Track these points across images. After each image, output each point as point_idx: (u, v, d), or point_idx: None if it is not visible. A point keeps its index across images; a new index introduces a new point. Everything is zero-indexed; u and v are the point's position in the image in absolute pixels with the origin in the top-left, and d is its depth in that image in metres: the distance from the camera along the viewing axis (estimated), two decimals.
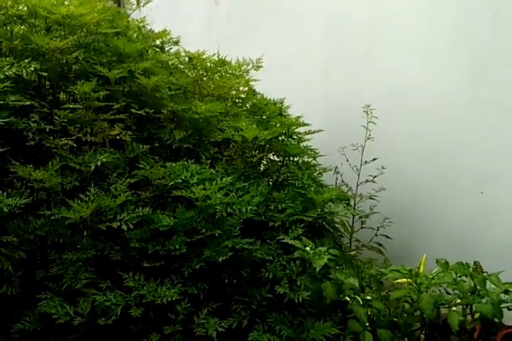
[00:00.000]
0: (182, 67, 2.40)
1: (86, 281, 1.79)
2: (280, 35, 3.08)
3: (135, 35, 2.21)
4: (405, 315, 2.26)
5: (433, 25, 2.62)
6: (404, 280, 2.22)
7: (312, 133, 2.54)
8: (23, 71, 1.79)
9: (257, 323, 2.07)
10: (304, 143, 2.55)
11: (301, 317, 2.15)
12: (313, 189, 2.36)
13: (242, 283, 2.15)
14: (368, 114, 2.66)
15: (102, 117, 1.94)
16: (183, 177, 2.08)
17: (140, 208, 1.95)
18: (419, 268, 2.35)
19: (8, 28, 1.92)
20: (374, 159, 2.69)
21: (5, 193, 1.72)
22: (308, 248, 2.14)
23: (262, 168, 2.47)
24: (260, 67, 2.54)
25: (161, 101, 2.17)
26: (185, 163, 2.15)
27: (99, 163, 1.90)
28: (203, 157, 2.23)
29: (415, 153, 2.75)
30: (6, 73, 1.77)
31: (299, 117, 2.52)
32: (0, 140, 1.76)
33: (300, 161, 2.52)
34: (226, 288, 2.12)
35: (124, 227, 1.86)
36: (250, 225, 2.23)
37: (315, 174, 2.54)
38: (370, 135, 2.69)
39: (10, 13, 1.90)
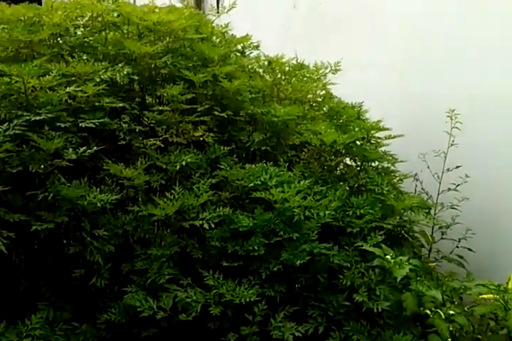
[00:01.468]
0: (261, 71, 2.48)
1: (169, 277, 1.85)
2: (358, 39, 3.05)
3: (218, 40, 2.31)
4: (490, 333, 2.16)
5: None
6: (490, 296, 2.10)
7: (392, 137, 2.47)
8: (117, 75, 1.92)
9: (333, 330, 2.04)
10: (383, 148, 2.50)
11: (379, 327, 2.10)
12: (392, 196, 2.31)
13: (318, 288, 2.12)
14: (451, 119, 2.57)
15: (187, 119, 2.02)
16: (262, 179, 2.11)
17: (221, 208, 1.99)
18: (507, 283, 2.21)
19: (103, 34, 2.07)
20: (457, 167, 2.58)
21: (98, 189, 1.83)
22: (388, 256, 2.09)
23: (338, 173, 2.47)
24: (338, 70, 2.53)
25: (242, 104, 2.22)
26: (264, 165, 2.17)
27: (184, 163, 1.96)
28: (281, 160, 2.25)
29: (502, 163, 2.61)
30: (102, 77, 1.91)
31: (378, 121, 2.48)
32: (94, 139, 1.90)
33: (379, 167, 2.48)
34: (302, 292, 2.10)
35: (206, 226, 1.91)
36: (327, 230, 2.20)
37: (394, 180, 2.49)
38: (453, 141, 2.59)
39: (106, 20, 2.07)
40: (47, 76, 1.82)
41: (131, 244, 1.93)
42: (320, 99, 2.58)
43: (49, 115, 1.78)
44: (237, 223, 2.01)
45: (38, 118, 1.75)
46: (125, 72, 1.92)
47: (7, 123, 1.72)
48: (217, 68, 2.14)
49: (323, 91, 2.57)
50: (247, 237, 2.03)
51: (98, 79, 1.90)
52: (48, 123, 1.79)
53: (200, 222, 1.93)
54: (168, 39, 2.11)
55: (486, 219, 2.65)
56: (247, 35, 2.37)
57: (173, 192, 1.94)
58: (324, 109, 2.56)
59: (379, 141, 2.51)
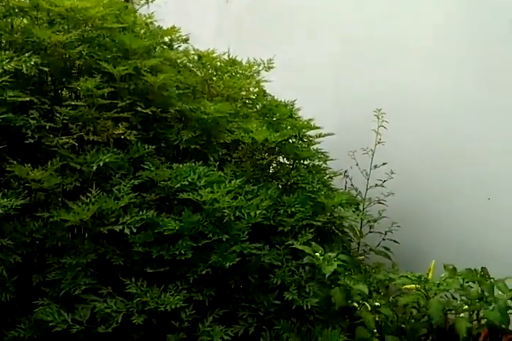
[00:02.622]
0: (191, 65, 2.22)
1: (85, 287, 1.60)
2: (293, 38, 2.92)
3: (142, 31, 2.03)
4: (412, 320, 2.14)
5: (447, 34, 2.49)
6: (413, 286, 2.10)
7: (323, 136, 2.36)
8: (23, 65, 1.60)
9: (264, 330, 1.89)
10: (314, 147, 2.37)
11: (309, 324, 2.00)
12: (323, 193, 2.21)
13: (249, 289, 1.96)
14: (378, 118, 2.54)
15: (106, 115, 1.75)
16: (190, 180, 1.89)
17: (144, 211, 1.75)
18: (427, 274, 2.22)
19: (9, 20, 1.74)
20: (384, 163, 2.56)
21: (0, 193, 1.53)
22: (317, 253, 2.00)
23: (271, 171, 2.30)
24: (271, 67, 2.36)
25: (169, 100, 1.97)
26: (193, 164, 1.96)
27: (101, 163, 1.70)
28: (211, 159, 2.04)
29: (425, 159, 2.62)
30: (5, 67, 1.58)
31: (310, 120, 2.34)
32: None
33: (310, 164, 2.35)
34: (233, 294, 1.93)
35: (127, 231, 1.67)
36: (259, 230, 2.05)
37: (325, 178, 2.38)
38: (380, 139, 2.56)
39: (11, 4, 1.71)
40: None
41: (43, 253, 1.62)
42: (253, 97, 2.39)
43: None
44: (162, 226, 1.79)
45: None
46: (32, 63, 1.60)
47: None
48: (140, 61, 1.88)
49: (257, 89, 2.38)
50: (174, 241, 1.81)
51: (0, 70, 1.57)
52: None
53: (121, 226, 1.68)
54: (84, 27, 1.80)
55: (410, 212, 2.65)
56: (175, 26, 2.10)
57: (89, 195, 1.66)
58: (257, 106, 2.38)
59: (311, 139, 2.38)
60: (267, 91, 2.43)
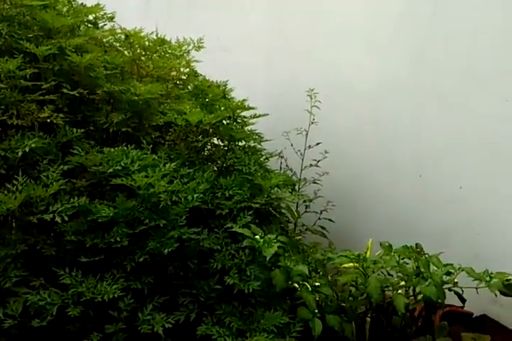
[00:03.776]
0: (118, 45, 2.25)
1: (16, 279, 1.64)
2: (222, 17, 3.01)
3: (65, 8, 2.02)
4: (351, 299, 2.28)
5: (375, 13, 2.66)
6: (351, 264, 2.23)
7: (258, 116, 2.48)
8: None
9: (205, 316, 2.00)
10: (249, 127, 2.49)
11: (251, 307, 2.11)
12: (260, 174, 2.32)
13: (189, 275, 2.06)
14: (311, 99, 2.69)
15: (30, 98, 1.76)
16: (122, 164, 1.95)
17: (75, 198, 1.80)
18: (366, 252, 2.36)
19: None
20: (318, 143, 2.73)
21: None
22: (257, 236, 2.10)
23: (206, 153, 2.40)
24: (201, 47, 2.44)
25: (96, 81, 2.01)
26: (125, 148, 2.02)
27: (27, 149, 1.73)
28: (144, 142, 2.10)
29: (357, 138, 2.81)
30: None
31: (244, 100, 2.44)
32: None
33: (246, 146, 2.46)
34: (172, 281, 2.02)
35: (58, 219, 1.71)
36: (197, 214, 2.13)
37: (261, 159, 2.50)
38: (313, 119, 2.72)
39: None
40: None
41: None
42: (184, 77, 2.47)
43: None
44: (95, 213, 1.85)
45: None
46: None
47: None
48: (64, 40, 1.90)
49: (188, 69, 2.46)
50: (108, 228, 1.88)
51: None
52: None
53: (51, 215, 1.72)
54: (2, 5, 1.77)
55: (345, 191, 2.87)
56: (99, 4, 2.11)
57: (15, 182, 1.67)
58: (189, 87, 2.47)
59: (245, 120, 2.50)
60: (200, 72, 2.54)
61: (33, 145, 1.74)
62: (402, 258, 2.21)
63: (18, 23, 1.87)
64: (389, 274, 2.29)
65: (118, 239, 1.83)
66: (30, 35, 1.86)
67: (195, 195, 2.07)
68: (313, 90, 2.66)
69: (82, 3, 2.14)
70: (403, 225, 2.65)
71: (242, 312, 2.09)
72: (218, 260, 2.06)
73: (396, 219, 2.69)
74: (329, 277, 2.35)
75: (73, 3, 2.10)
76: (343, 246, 2.42)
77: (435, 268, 2.17)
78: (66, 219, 1.74)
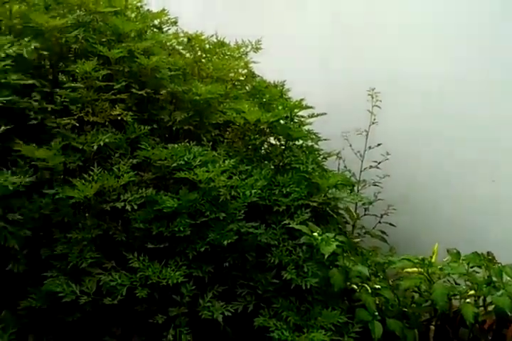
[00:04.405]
0: (180, 48, 2.62)
1: (91, 261, 1.99)
2: (278, 17, 3.27)
3: (133, 14, 2.43)
4: (414, 305, 2.42)
5: (443, 12, 2.80)
6: (414, 269, 2.36)
7: (316, 116, 2.72)
8: (24, 50, 1.99)
9: (262, 308, 2.26)
10: (306, 127, 2.73)
11: (307, 303, 2.34)
12: (317, 173, 2.55)
13: (247, 267, 2.33)
14: (372, 98, 2.85)
15: (104, 97, 2.14)
16: (185, 159, 2.27)
17: (143, 189, 2.14)
18: (431, 257, 2.48)
19: (8, 6, 2.12)
20: (378, 144, 2.88)
21: (9, 171, 1.92)
22: (315, 233, 2.31)
23: (263, 152, 2.66)
24: (259, 48, 2.74)
25: (161, 81, 2.37)
26: (187, 144, 2.34)
27: (101, 143, 2.09)
28: (204, 139, 2.43)
29: (422, 139, 2.92)
30: (7, 51, 1.96)
31: (301, 100, 2.69)
32: (2, 118, 1.95)
33: (303, 145, 2.69)
34: (231, 271, 2.30)
35: (128, 208, 2.06)
36: (254, 209, 2.40)
37: (319, 158, 2.73)
38: (374, 119, 2.88)
39: None
40: None
41: (50, 228, 2.01)
42: (242, 78, 2.79)
43: None
44: (161, 204, 2.17)
45: None
46: (32, 47, 1.98)
47: None
48: (133, 44, 2.28)
49: (245, 70, 2.78)
50: (172, 218, 2.19)
51: (3, 55, 1.96)
52: None
53: (122, 203, 2.06)
54: (78, 12, 2.19)
55: (406, 194, 2.98)
56: (164, 9, 2.49)
57: (91, 173, 2.06)
58: (247, 87, 2.78)
59: (302, 119, 2.75)
60: (256, 73, 2.83)
61: (106, 140, 2.10)
62: (471, 266, 2.30)
63: (93, 28, 2.26)
64: (456, 283, 2.39)
65: (181, 229, 2.15)
66: (103, 40, 2.24)
67: (253, 191, 2.35)
68: (374, 89, 2.82)
69: (148, 9, 2.54)
70: (471, 233, 2.72)
71: (299, 308, 2.33)
72: (275, 255, 2.32)
73: (464, 226, 2.76)
74: (390, 281, 2.49)
75: (141, 9, 2.50)
76: (404, 252, 2.52)
77: (508, 278, 2.22)
78: (135, 207, 2.07)
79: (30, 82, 2.03)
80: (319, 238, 2.31)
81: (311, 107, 2.72)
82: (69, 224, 2.04)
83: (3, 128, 1.90)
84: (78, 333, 2.01)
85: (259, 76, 2.83)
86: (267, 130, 2.65)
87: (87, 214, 2.03)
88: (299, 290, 2.31)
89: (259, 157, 2.62)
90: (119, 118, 2.18)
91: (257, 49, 2.77)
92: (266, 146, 2.69)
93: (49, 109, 2.07)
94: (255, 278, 2.31)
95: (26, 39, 2.02)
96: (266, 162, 2.61)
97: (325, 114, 2.72)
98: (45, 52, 2.12)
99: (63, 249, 2.00)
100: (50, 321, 1.97)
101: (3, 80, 1.96)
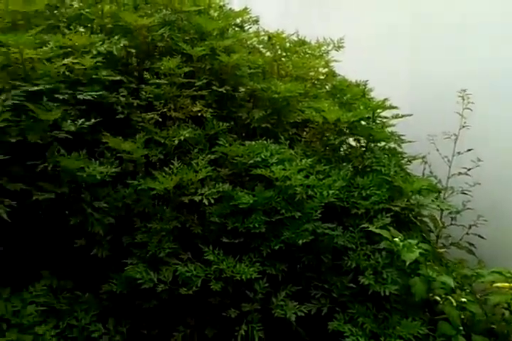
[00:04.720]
0: (260, 46, 2.89)
1: (169, 251, 2.22)
2: (361, 14, 3.45)
3: (216, 13, 2.70)
4: (503, 323, 2.45)
5: None
6: (505, 284, 2.39)
7: (400, 117, 2.82)
8: (113, 47, 2.33)
9: (337, 312, 2.39)
10: (389, 129, 2.84)
11: (385, 311, 2.44)
12: (400, 177, 2.64)
13: (322, 269, 2.48)
14: (463, 100, 2.90)
15: (185, 93, 2.39)
16: (262, 156, 2.48)
17: (220, 184, 2.36)
18: None
19: (100, 6, 2.46)
20: (469, 150, 2.91)
21: (97, 162, 2.21)
22: (396, 239, 2.39)
23: (342, 153, 2.82)
24: (341, 47, 2.92)
25: (240, 79, 2.59)
26: (265, 142, 2.55)
27: (182, 138, 2.34)
28: (282, 137, 2.62)
29: None
30: (98, 49, 2.29)
31: (385, 100, 2.82)
32: (92, 112, 2.29)
33: (385, 147, 2.83)
34: (305, 272, 2.46)
35: (205, 201, 2.28)
36: (331, 210, 2.55)
37: (402, 162, 2.82)
38: (465, 123, 2.92)
39: None
40: (44, 47, 2.22)
41: (131, 218, 2.30)
42: (322, 77, 2.97)
43: (47, 86, 2.14)
44: (236, 200, 2.38)
45: (35, 88, 2.12)
46: (122, 45, 2.32)
47: (5, 94, 2.10)
48: (215, 42, 2.53)
49: (326, 69, 2.97)
50: (248, 214, 2.39)
51: (95, 52, 2.29)
52: (46, 95, 2.15)
53: (200, 197, 2.30)
54: (164, 11, 2.53)
55: (499, 205, 3.00)
56: (246, 8, 2.79)
57: (171, 166, 2.31)
58: (327, 87, 2.96)
59: (385, 120, 2.87)
60: (338, 72, 3.01)
61: (186, 135, 2.35)
62: None
63: (178, 27, 2.54)
64: None
65: (256, 225, 2.34)
66: (187, 38, 2.50)
67: (331, 192, 2.51)
68: (465, 91, 2.87)
69: (230, 8, 2.83)
70: None
71: (376, 315, 2.43)
72: (353, 259, 2.45)
73: None
74: (477, 295, 2.53)
75: (223, 8, 2.79)
76: (491, 266, 2.55)
77: None
78: (212, 202, 2.28)
79: (119, 78, 2.32)
80: (401, 244, 2.39)
81: (395, 107, 2.82)
82: (149, 215, 2.28)
83: (93, 121, 2.19)
84: (154, 320, 2.24)
85: (340, 75, 3.02)
86: (347, 130, 2.79)
87: (166, 207, 2.33)
88: (377, 296, 2.42)
89: (338, 157, 2.77)
90: (199, 114, 2.43)
91: (338, 47, 2.94)
92: (345, 147, 2.84)
93: (135, 104, 2.35)
94: (330, 280, 2.46)
95: (116, 37, 2.32)
96: (345, 163, 2.73)
97: (410, 115, 2.82)
98: (133, 50, 2.41)
99: (143, 237, 2.25)
100: (128, 306, 2.21)
101: (94, 76, 2.27)
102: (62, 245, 2.24)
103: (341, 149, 2.85)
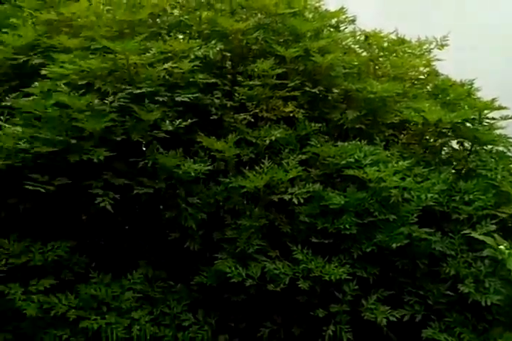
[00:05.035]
0: (356, 46, 3.07)
1: (257, 247, 2.45)
2: (467, 13, 3.61)
3: (311, 15, 2.93)
4: None
5: None
6: None
7: (510, 118, 2.89)
8: (210, 51, 2.68)
9: (432, 320, 2.51)
10: (497, 131, 2.93)
11: (486, 323, 2.53)
12: (508, 182, 2.73)
13: (417, 274, 2.61)
14: None
15: (278, 94, 2.63)
16: (355, 157, 2.66)
17: (310, 184, 2.57)
18: None
19: (198, 13, 2.80)
20: None
21: (192, 160, 2.51)
22: (502, 246, 2.45)
23: (443, 155, 2.93)
24: (444, 45, 3.03)
25: (335, 80, 2.79)
26: (358, 143, 2.72)
27: (273, 138, 2.59)
28: (377, 139, 2.78)
29: None
30: (196, 53, 2.62)
31: (493, 100, 2.90)
32: (188, 113, 2.66)
33: (492, 150, 2.91)
34: (398, 277, 2.60)
35: (295, 201, 2.50)
36: (428, 215, 2.68)
37: (511, 166, 2.88)
38: None
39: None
40: (146, 53, 2.62)
41: (222, 214, 2.58)
42: (423, 77, 3.10)
43: (148, 89, 2.48)
44: (327, 200, 2.57)
45: (139, 91, 2.47)
46: (218, 49, 2.66)
47: (112, 96, 2.53)
48: (310, 43, 2.75)
49: (427, 69, 3.12)
50: (338, 215, 2.57)
51: (193, 56, 2.62)
52: (147, 97, 2.49)
53: (289, 196, 2.53)
54: (259, 15, 2.88)
55: None
56: (342, 8, 3.06)
57: (262, 165, 2.56)
58: (428, 87, 3.09)
59: (493, 122, 2.94)
60: (439, 71, 3.10)
61: (278, 135, 2.58)
62: None
63: (272, 29, 2.80)
64: None
65: (347, 227, 2.51)
66: (281, 40, 2.74)
67: (429, 195, 2.63)
68: None
69: (326, 9, 3.10)
70: None
71: (475, 326, 2.52)
72: (452, 266, 2.56)
73: None
74: None
75: (319, 9, 3.07)
76: None
77: None
78: (302, 201, 2.49)
79: (214, 80, 2.62)
80: (506, 252, 2.45)
81: (504, 108, 2.90)
82: (238, 212, 2.54)
83: (189, 121, 2.50)
84: (241, 314, 2.48)
85: (442, 74, 3.14)
86: (449, 132, 2.91)
87: (255, 205, 2.59)
88: (477, 306, 2.51)
89: (439, 160, 2.89)
90: (290, 115, 2.66)
91: (441, 46, 3.06)
92: (446, 150, 2.95)
93: (228, 105, 2.63)
94: (426, 287, 2.58)
95: (213, 42, 2.62)
96: (446, 166, 2.86)
97: None
98: (228, 54, 2.71)
99: (233, 234, 2.51)
100: (217, 299, 2.47)
101: (191, 79, 2.59)
102: (157, 237, 2.61)
103: (442, 152, 3.00)
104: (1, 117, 2.55)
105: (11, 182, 2.42)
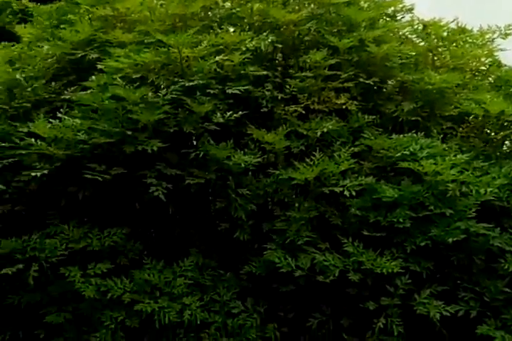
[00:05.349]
0: (413, 36, 3.24)
1: (307, 239, 2.64)
2: None
3: (366, 4, 3.08)
4: None
5: None
6: None
7: None
8: (262, 43, 2.93)
9: (487, 317, 2.67)
10: None
11: None
12: None
13: (473, 270, 2.75)
14: None
15: (330, 86, 2.82)
16: (411, 150, 2.81)
17: (362, 177, 2.74)
18: None
19: (249, 5, 3.03)
20: None
21: (242, 152, 2.73)
22: None
23: (506, 149, 3.07)
24: (509, 35, 3.15)
25: (390, 71, 2.94)
26: (414, 135, 2.88)
27: (325, 130, 2.77)
28: (434, 131, 2.93)
29: None
30: (247, 46, 2.84)
31: None
32: (238, 106, 2.91)
33: None
34: (453, 272, 2.76)
35: (347, 193, 2.66)
36: (488, 210, 2.84)
37: None
38: None
39: None
40: (199, 46, 2.92)
41: (271, 206, 2.81)
42: (485, 68, 3.24)
43: (200, 82, 2.70)
44: (380, 193, 2.73)
45: (191, 84, 2.70)
46: (269, 40, 2.90)
47: (165, 89, 2.82)
48: (364, 33, 2.91)
49: (490, 59, 3.23)
50: (391, 208, 2.74)
51: (244, 49, 2.85)
52: (199, 90, 2.73)
53: (341, 188, 2.70)
54: (312, 5, 3.17)
55: None
56: None
57: (312, 158, 2.74)
58: (490, 78, 3.21)
59: None
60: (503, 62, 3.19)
61: (329, 127, 2.76)
62: None
63: (325, 20, 2.97)
64: None
65: (400, 220, 2.67)
66: (334, 30, 2.91)
67: (489, 189, 2.77)
68: None
69: None
70: None
71: None
72: (510, 262, 2.69)
73: None
74: None
75: None
76: None
77: None
78: (354, 194, 2.65)
79: (265, 73, 2.84)
80: None
81: None
82: (288, 204, 2.75)
83: (239, 113, 2.71)
84: (290, 304, 2.68)
85: (506, 65, 3.22)
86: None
87: (305, 197, 2.82)
88: None
89: (500, 154, 3.03)
90: (343, 107, 2.84)
91: (506, 35, 3.18)
92: (508, 143, 3.08)
93: (279, 97, 2.83)
94: (482, 283, 2.73)
95: (264, 34, 2.83)
96: (508, 160, 3.00)
97: None
98: (279, 45, 2.90)
99: (282, 225, 2.71)
100: (266, 288, 2.67)
101: (242, 72, 2.81)
102: (207, 227, 2.91)
103: (504, 145, 3.19)
104: (61, 110, 2.87)
105: (70, 171, 2.73)
